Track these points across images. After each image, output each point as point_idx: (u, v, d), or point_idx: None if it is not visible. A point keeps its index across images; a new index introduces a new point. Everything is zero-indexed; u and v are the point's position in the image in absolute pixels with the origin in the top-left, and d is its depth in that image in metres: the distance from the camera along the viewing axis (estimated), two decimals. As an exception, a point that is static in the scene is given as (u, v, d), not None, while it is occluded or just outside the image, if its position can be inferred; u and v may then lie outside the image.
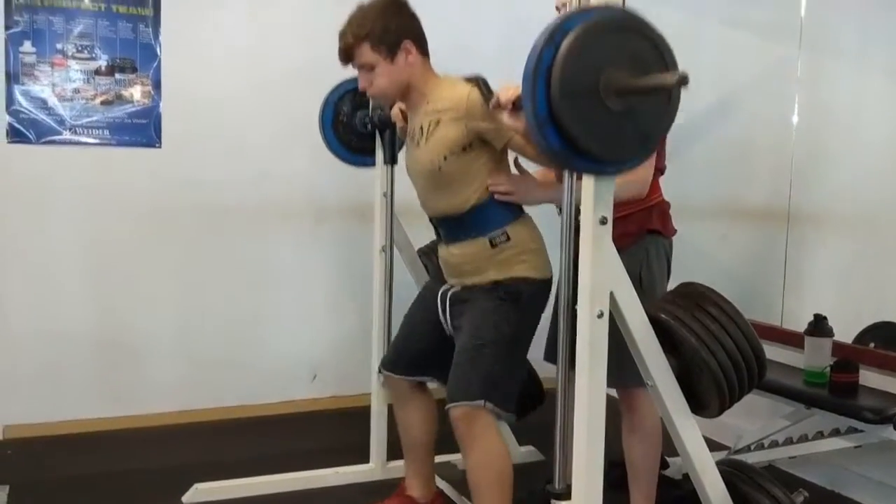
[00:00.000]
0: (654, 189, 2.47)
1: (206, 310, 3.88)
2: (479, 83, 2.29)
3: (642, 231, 2.46)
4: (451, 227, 2.46)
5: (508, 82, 2.09)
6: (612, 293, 1.80)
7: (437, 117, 2.36)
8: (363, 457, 3.17)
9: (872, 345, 3.09)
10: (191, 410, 3.83)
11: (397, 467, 2.99)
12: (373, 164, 3.10)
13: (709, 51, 3.89)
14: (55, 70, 3.53)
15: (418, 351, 2.63)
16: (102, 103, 3.61)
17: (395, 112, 2.76)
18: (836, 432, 2.84)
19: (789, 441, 3.00)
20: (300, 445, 3.60)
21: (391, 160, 3.03)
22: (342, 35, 2.40)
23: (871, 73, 3.41)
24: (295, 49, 3.86)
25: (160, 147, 3.71)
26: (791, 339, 3.14)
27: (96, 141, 3.62)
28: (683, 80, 1.51)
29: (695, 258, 3.47)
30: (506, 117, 2.14)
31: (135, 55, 3.64)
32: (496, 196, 2.38)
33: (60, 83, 3.55)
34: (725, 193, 3.97)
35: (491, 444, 2.35)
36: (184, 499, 2.92)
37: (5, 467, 3.25)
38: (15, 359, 3.57)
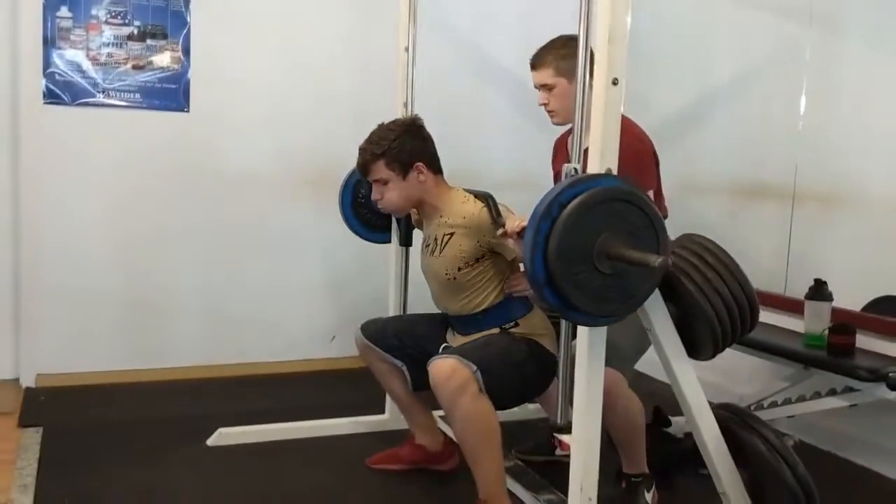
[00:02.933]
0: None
1: (230, 270, 4.02)
2: (489, 202, 2.47)
3: None
4: (464, 323, 2.63)
5: (517, 216, 2.28)
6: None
7: (450, 230, 2.54)
8: (379, 410, 3.31)
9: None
10: (214, 365, 3.97)
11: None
12: (390, 240, 3.28)
13: (721, 31, 3.95)
14: (90, 35, 3.67)
15: (404, 342, 2.76)
16: (134, 68, 3.75)
17: None
18: (832, 392, 2.94)
19: (788, 402, 3.11)
20: (318, 399, 3.73)
21: (405, 242, 3.21)
22: (362, 151, 2.61)
23: (879, 54, 3.45)
24: (324, 22, 3.99)
25: (188, 112, 3.85)
26: (793, 307, 3.24)
27: (127, 104, 3.76)
28: (664, 265, 1.69)
29: (703, 233, 3.54)
30: (511, 244, 2.32)
31: (166, 22, 3.78)
32: (515, 296, 2.52)
33: (94, 48, 3.69)
34: (735, 171, 4.04)
35: (476, 401, 2.30)
36: (208, 442, 3.06)
37: (38, 411, 3.40)
38: (48, 312, 3.73)
